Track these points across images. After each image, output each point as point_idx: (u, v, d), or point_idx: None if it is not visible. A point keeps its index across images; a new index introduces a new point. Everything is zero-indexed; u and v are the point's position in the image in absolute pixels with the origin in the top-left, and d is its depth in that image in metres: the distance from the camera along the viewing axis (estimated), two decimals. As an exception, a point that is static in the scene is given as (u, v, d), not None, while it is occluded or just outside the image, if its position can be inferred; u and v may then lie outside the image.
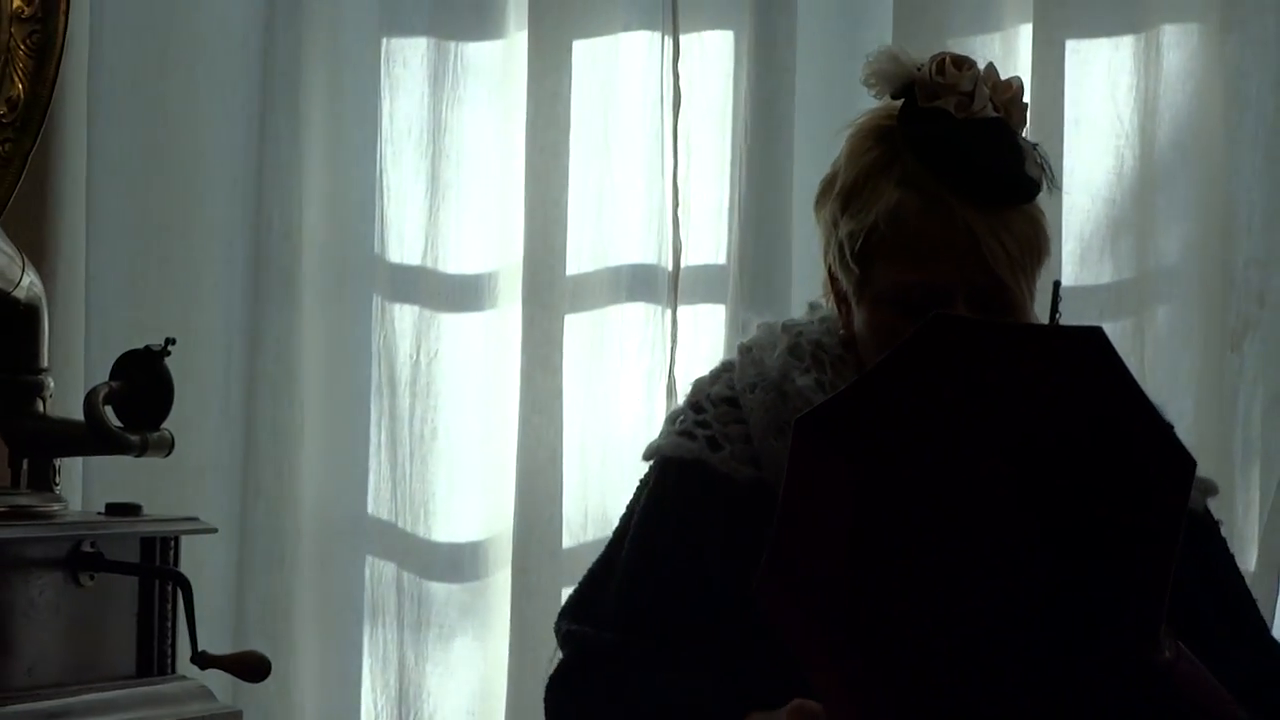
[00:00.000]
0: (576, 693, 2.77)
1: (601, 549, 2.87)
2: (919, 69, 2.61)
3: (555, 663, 2.79)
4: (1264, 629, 2.95)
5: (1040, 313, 2.58)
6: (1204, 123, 3.54)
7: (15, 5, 2.86)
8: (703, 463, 2.69)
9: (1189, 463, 2.22)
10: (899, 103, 2.60)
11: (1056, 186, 2.72)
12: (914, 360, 2.33)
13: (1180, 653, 2.37)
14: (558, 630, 2.77)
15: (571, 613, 2.75)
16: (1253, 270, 3.48)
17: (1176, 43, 3.56)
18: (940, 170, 2.61)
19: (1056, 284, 2.57)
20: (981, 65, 2.67)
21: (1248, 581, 2.89)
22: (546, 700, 2.77)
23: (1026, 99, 2.60)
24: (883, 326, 2.62)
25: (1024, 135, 2.62)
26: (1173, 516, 2.26)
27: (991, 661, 2.33)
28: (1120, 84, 3.58)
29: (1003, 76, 2.86)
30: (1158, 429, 2.25)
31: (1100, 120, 3.57)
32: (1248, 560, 3.41)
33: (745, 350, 2.75)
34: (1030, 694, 2.33)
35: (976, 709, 2.34)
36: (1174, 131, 3.57)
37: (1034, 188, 2.62)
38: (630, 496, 2.77)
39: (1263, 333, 3.49)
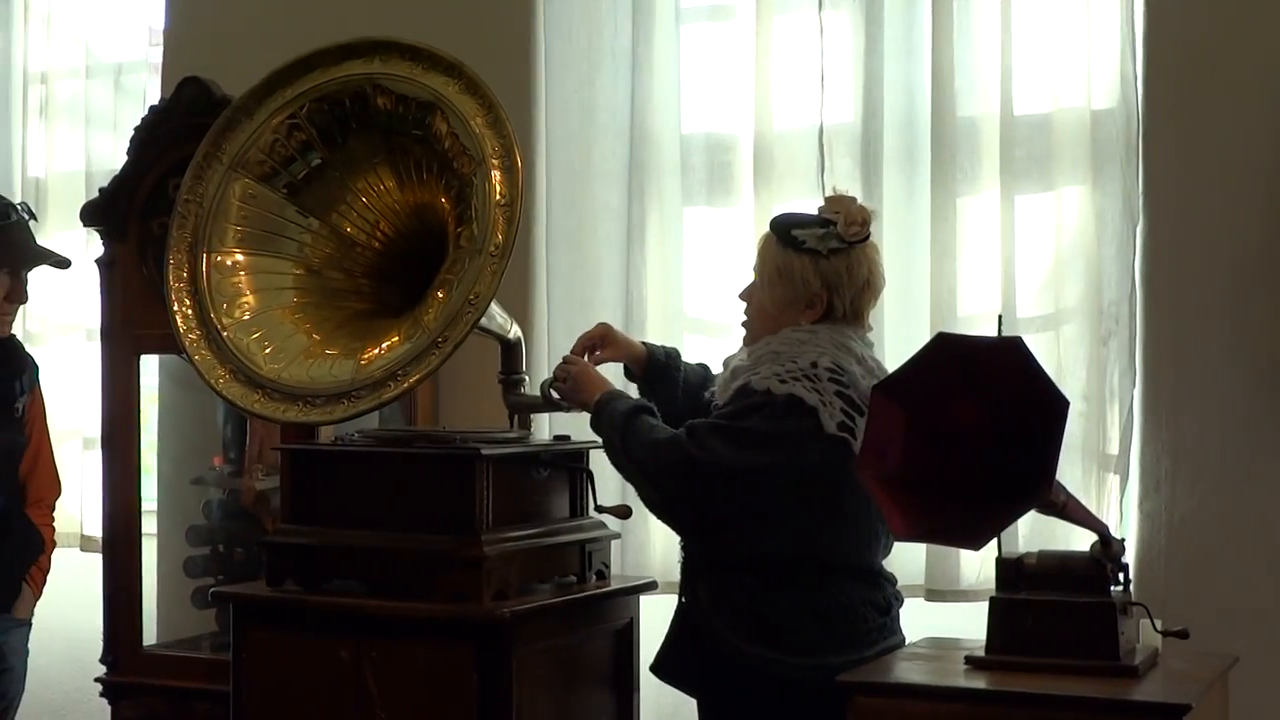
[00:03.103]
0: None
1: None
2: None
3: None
4: None
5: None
6: (1085, 235, 3.74)
7: (496, 198, 3.10)
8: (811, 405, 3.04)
9: (1064, 403, 2.67)
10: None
11: (821, 253, 3.10)
12: (928, 354, 2.77)
13: (1069, 496, 2.91)
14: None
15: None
16: (1110, 307, 3.71)
17: (1071, 195, 3.77)
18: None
19: (1000, 316, 3.12)
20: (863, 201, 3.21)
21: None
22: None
23: (872, 217, 3.12)
24: None
25: (844, 234, 3.08)
26: (1057, 430, 2.67)
27: (970, 497, 2.75)
28: (1046, 217, 3.81)
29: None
30: (1048, 386, 2.67)
31: (1035, 235, 3.80)
32: (1111, 449, 3.71)
33: (847, 351, 3.15)
34: (990, 514, 2.72)
35: (961, 522, 2.76)
36: (1071, 239, 3.77)
37: (792, 242, 3.10)
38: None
39: (1116, 337, 3.71)
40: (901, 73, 3.93)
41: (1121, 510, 3.75)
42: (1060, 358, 3.78)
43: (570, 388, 3.28)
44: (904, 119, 3.92)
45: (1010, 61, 3.81)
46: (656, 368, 3.37)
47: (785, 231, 3.16)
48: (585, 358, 3.37)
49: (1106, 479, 3.73)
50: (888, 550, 3.27)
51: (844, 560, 3.12)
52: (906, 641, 3.21)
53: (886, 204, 3.86)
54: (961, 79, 3.84)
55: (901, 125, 3.92)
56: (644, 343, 3.49)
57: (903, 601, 3.28)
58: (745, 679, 3.08)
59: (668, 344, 3.90)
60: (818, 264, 3.12)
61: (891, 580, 3.27)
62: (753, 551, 3.08)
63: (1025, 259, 3.82)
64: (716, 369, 3.41)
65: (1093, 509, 3.59)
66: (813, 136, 3.99)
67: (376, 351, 3.17)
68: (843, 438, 2.98)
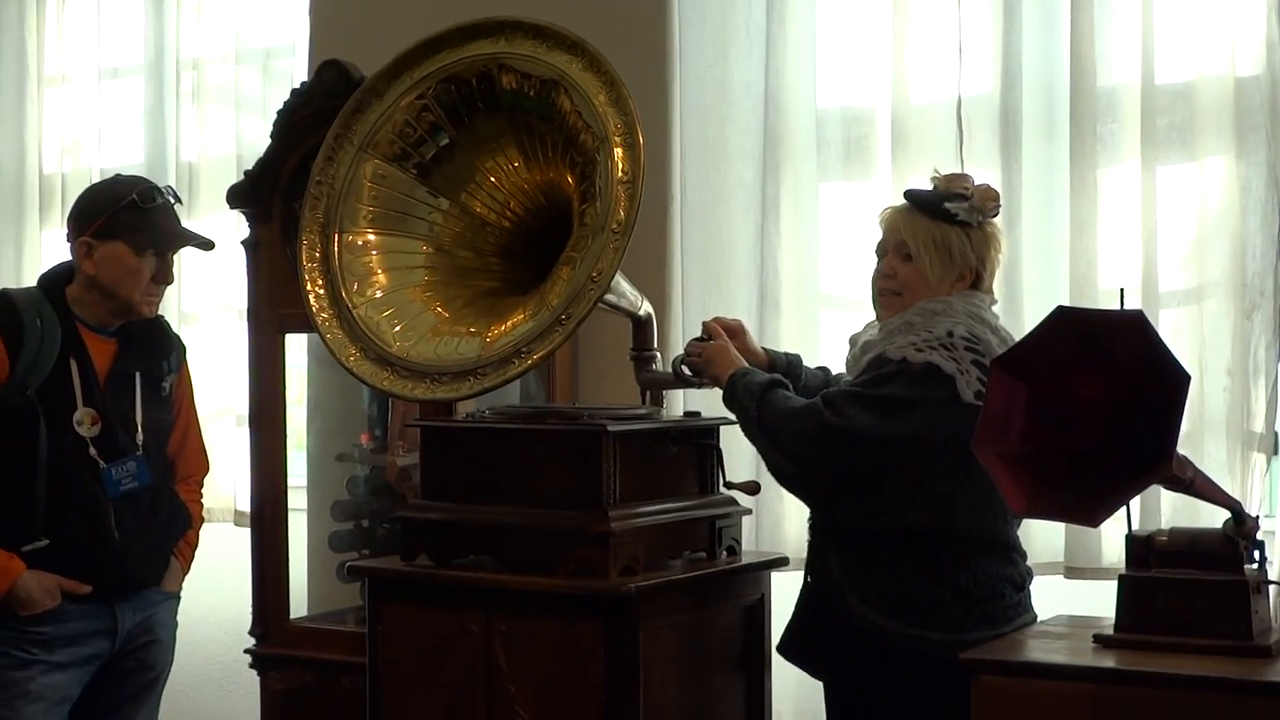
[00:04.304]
0: None
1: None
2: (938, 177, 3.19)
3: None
4: None
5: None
6: (1228, 206, 3.67)
7: (619, 175, 3.10)
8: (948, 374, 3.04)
9: (1186, 377, 2.63)
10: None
11: (973, 225, 3.12)
12: (1048, 328, 2.77)
13: (1197, 472, 2.87)
14: None
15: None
16: (1254, 279, 3.64)
17: (1215, 165, 3.71)
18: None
19: (1121, 290, 2.98)
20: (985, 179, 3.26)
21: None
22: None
23: (997, 191, 3.16)
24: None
25: (983, 212, 3.10)
26: (1178, 405, 2.63)
27: (1090, 473, 2.72)
28: (1188, 188, 3.75)
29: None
30: (1169, 359, 2.63)
31: (1177, 207, 3.75)
32: (1256, 426, 3.64)
33: (981, 321, 3.14)
34: (1110, 491, 2.70)
35: (1080, 499, 2.72)
36: (1214, 211, 3.71)
37: (945, 215, 3.10)
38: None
39: (1261, 311, 3.64)
40: (1040, 42, 3.89)
41: (1268, 487, 3.68)
42: (1203, 332, 3.72)
43: (703, 362, 3.31)
44: (1043, 89, 3.88)
45: (1151, 28, 3.76)
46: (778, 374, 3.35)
47: (936, 205, 3.15)
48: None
49: (1251, 456, 3.66)
50: (1018, 522, 3.25)
51: (980, 534, 3.10)
52: (1038, 619, 3.19)
53: (1025, 176, 3.84)
54: (1101, 47, 3.79)
55: (1041, 96, 3.88)
56: (765, 349, 3.50)
57: (1032, 577, 3.25)
58: (878, 655, 3.08)
59: (803, 320, 3.97)
60: (970, 236, 3.15)
61: (1024, 555, 3.24)
62: (888, 523, 3.07)
63: (1167, 231, 3.76)
64: (843, 354, 3.40)
65: (1237, 487, 3.58)
66: (951, 109, 3.96)
67: (502, 329, 3.19)
68: (979, 406, 2.93)
